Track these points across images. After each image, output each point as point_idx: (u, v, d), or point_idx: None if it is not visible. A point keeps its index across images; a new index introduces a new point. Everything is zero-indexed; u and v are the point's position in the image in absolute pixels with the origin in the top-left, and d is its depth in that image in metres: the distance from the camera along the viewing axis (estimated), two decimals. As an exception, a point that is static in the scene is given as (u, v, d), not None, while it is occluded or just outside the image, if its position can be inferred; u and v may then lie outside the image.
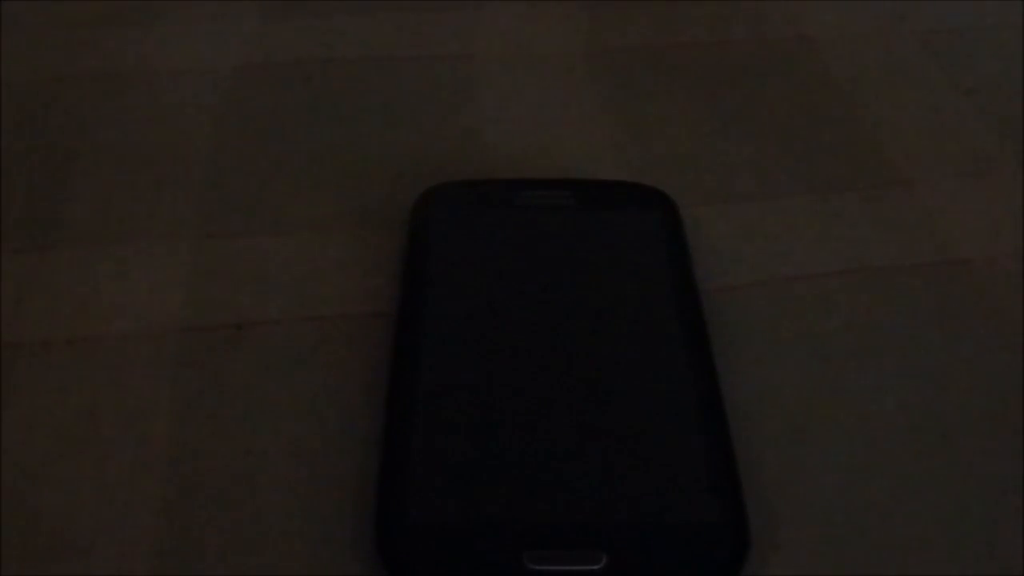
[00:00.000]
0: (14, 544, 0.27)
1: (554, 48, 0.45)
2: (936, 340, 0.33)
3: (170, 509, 0.28)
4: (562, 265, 0.33)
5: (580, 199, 0.36)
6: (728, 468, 0.28)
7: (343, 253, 0.35)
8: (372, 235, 0.36)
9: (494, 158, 0.39)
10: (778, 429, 0.30)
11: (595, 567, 0.26)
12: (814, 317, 0.33)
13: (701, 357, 0.31)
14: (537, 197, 0.36)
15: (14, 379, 0.31)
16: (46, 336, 0.33)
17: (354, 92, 0.42)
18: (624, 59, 0.44)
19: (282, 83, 0.43)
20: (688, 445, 0.28)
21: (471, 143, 0.40)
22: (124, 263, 0.35)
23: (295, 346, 0.32)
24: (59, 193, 0.38)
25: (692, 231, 0.36)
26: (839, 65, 0.44)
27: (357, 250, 0.36)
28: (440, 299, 0.32)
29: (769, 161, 0.39)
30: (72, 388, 0.31)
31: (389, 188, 0.38)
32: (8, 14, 0.47)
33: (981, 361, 0.32)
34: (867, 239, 0.36)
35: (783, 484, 0.29)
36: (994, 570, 0.27)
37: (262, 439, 0.30)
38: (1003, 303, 0.34)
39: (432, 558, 0.26)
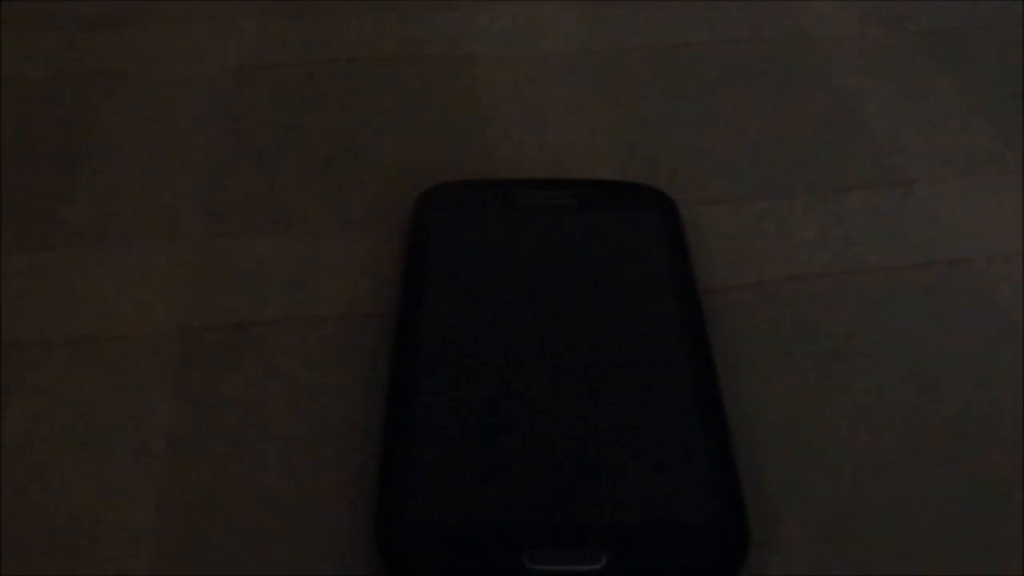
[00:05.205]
0: (14, 543, 0.27)
1: (554, 47, 0.45)
2: (936, 340, 0.33)
3: (170, 509, 0.28)
4: (562, 265, 0.33)
5: (580, 199, 0.36)
6: (728, 468, 0.28)
7: (343, 253, 0.35)
8: (372, 235, 0.36)
9: (494, 158, 0.39)
10: (778, 429, 0.30)
11: (595, 567, 0.26)
12: (814, 317, 0.33)
13: (701, 357, 0.31)
14: (537, 197, 0.36)
15: (14, 379, 0.31)
16: (46, 336, 0.33)
17: (354, 92, 0.42)
18: (624, 59, 0.44)
19: (282, 83, 0.43)
20: (688, 445, 0.28)
21: (471, 143, 0.40)
22: (124, 263, 0.35)
23: (295, 346, 0.32)
24: (59, 193, 0.38)
25: (692, 231, 0.36)
26: (839, 65, 0.44)
27: (357, 250, 0.36)
28: (440, 299, 0.32)
29: (769, 161, 0.39)
30: (72, 388, 0.31)
31: (389, 188, 0.38)
32: (8, 14, 0.47)
33: (981, 361, 0.32)
34: (867, 239, 0.36)
35: (783, 484, 0.29)
36: (994, 570, 0.27)
37: (262, 439, 0.30)
38: (1003, 303, 0.34)
39: (432, 558, 0.26)
